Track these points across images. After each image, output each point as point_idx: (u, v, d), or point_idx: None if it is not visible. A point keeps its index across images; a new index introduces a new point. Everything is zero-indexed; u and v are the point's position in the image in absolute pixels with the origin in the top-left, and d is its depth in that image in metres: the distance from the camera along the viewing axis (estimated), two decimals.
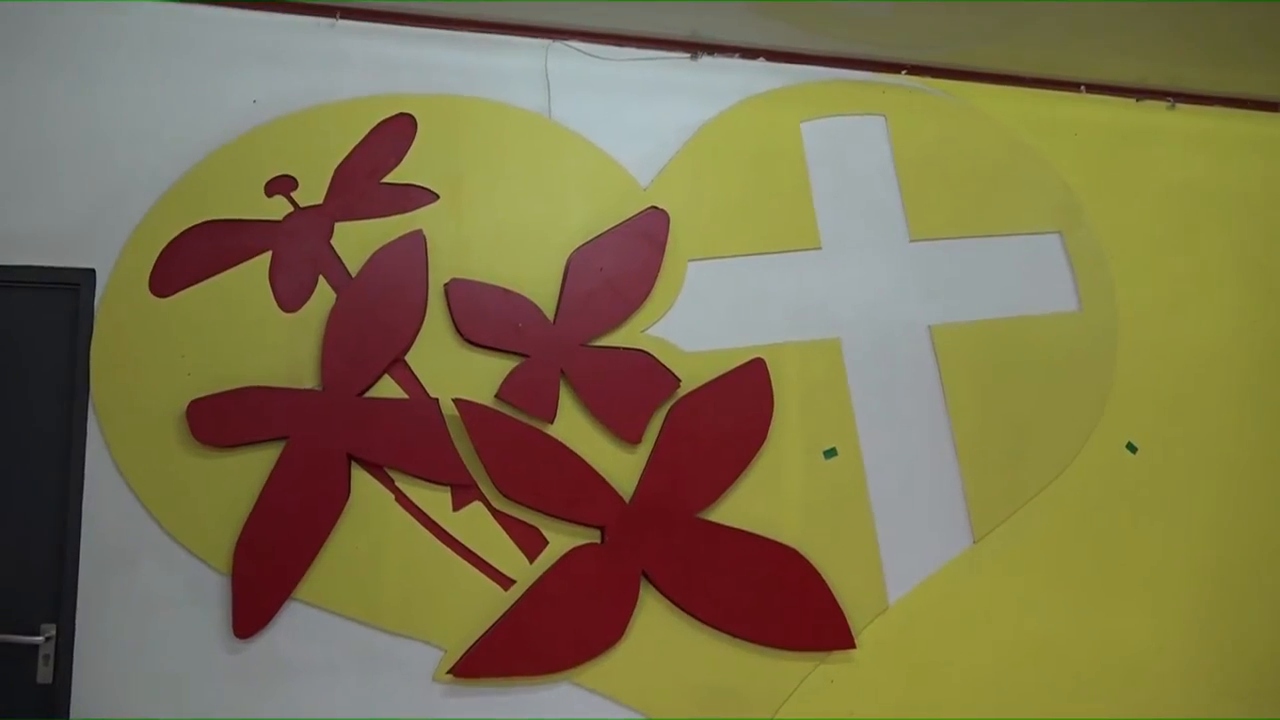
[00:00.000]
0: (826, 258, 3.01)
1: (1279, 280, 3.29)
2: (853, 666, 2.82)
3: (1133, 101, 3.23)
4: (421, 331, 2.77)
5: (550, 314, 2.83)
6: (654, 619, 2.73)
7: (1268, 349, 3.27)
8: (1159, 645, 3.11)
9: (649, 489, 2.76)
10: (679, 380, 2.83)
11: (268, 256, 2.75)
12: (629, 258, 2.92)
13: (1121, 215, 3.18)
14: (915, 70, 3.16)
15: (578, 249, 2.89)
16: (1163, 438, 3.14)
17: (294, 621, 2.59)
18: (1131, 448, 3.09)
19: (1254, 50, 3.03)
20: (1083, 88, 3.21)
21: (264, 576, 2.56)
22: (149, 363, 2.64)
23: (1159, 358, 3.16)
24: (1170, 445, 3.15)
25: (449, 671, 2.60)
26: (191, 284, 2.69)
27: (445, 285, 2.79)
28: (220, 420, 2.61)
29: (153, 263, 2.69)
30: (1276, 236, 3.31)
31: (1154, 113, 3.25)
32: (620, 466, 2.78)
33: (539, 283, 2.85)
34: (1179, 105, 3.26)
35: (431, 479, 2.70)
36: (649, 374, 2.83)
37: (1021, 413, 3.04)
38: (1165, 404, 3.15)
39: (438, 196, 2.88)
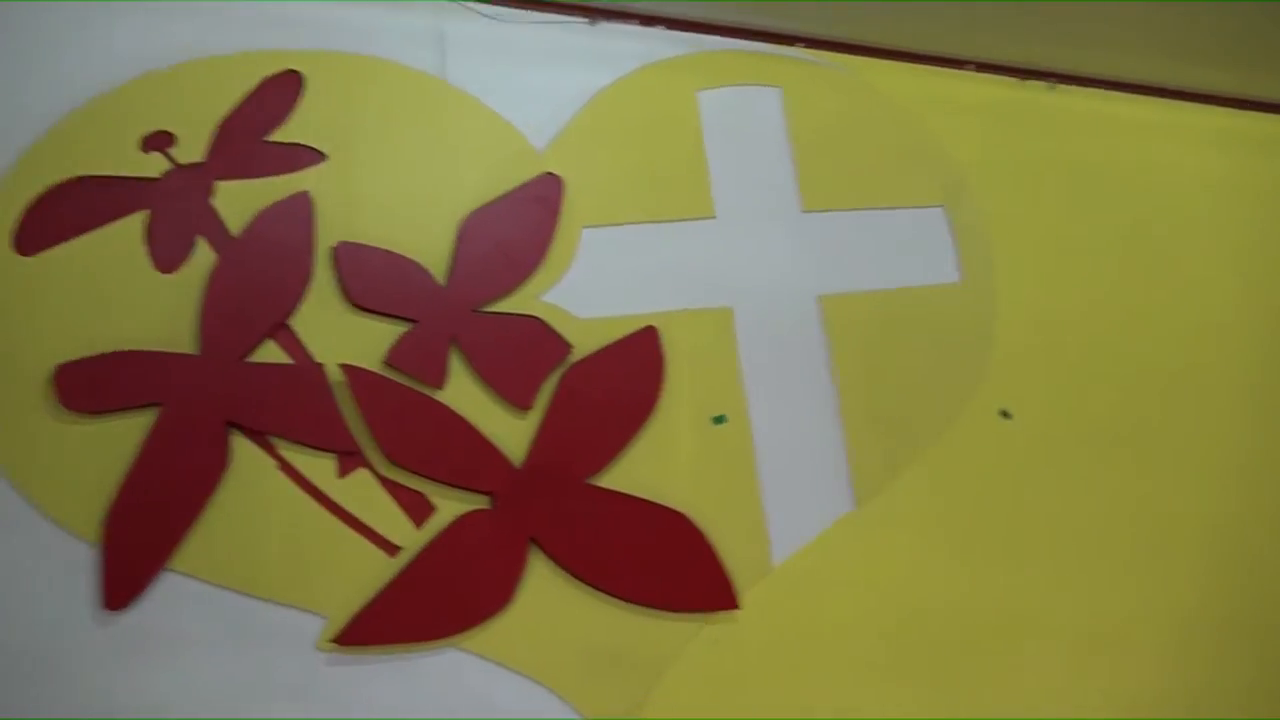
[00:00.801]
0: (720, 227, 3.04)
1: (1155, 258, 3.46)
2: (737, 627, 2.88)
3: (1017, 81, 3.33)
4: (307, 295, 2.71)
5: (441, 279, 2.80)
6: (542, 584, 2.74)
7: (1142, 324, 3.43)
8: (1034, 601, 3.26)
9: (539, 455, 2.77)
10: (571, 347, 2.83)
11: (143, 215, 2.64)
12: (523, 223, 2.90)
13: (1003, 192, 3.29)
14: (812, 44, 3.20)
15: (471, 213, 2.85)
16: (1038, 406, 3.27)
17: (168, 593, 2.51)
18: (1006, 415, 3.21)
19: (1133, 36, 3.15)
20: (972, 66, 3.30)
21: (136, 546, 2.48)
22: (12, 325, 2.52)
23: (1037, 330, 3.29)
24: (1045, 413, 3.28)
25: (332, 640, 2.57)
26: (59, 242, 2.57)
27: (332, 248, 2.73)
28: (90, 385, 2.50)
29: (17, 219, 2.56)
30: (1153, 216, 3.47)
31: (1036, 93, 3.36)
32: (511, 433, 2.78)
33: (430, 247, 2.81)
34: (1059, 86, 3.38)
35: (316, 446, 2.65)
36: (541, 340, 2.82)
37: (903, 381, 3.13)
38: (1041, 374, 3.29)
39: (326, 157, 2.81)
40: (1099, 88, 3.43)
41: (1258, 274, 3.60)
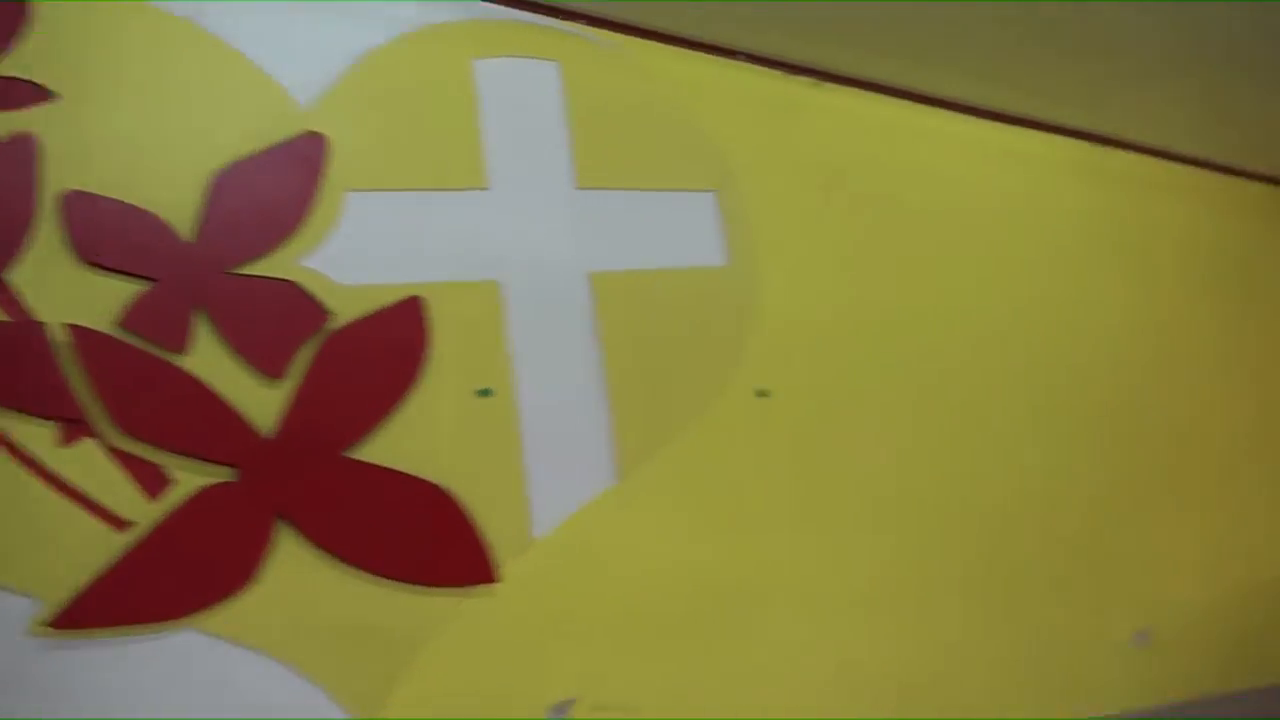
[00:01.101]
0: (492, 199, 3.01)
1: (909, 252, 3.72)
2: (496, 601, 2.88)
3: (785, 75, 3.48)
4: (28, 248, 2.46)
5: (188, 236, 2.62)
6: (291, 559, 2.62)
7: (895, 313, 3.69)
8: (783, 572, 3.45)
9: (291, 426, 2.64)
10: (329, 314, 2.72)
11: None
12: (282, 182, 2.75)
13: (769, 182, 3.44)
14: (592, 21, 3.22)
15: (224, 168, 2.67)
16: (794, 386, 3.45)
17: None
18: (763, 394, 3.37)
19: (896, 41, 3.35)
20: (743, 57, 3.42)
21: None
22: None
23: (796, 314, 3.47)
24: (800, 393, 3.47)
25: (46, 623, 2.36)
26: None
27: (61, 197, 2.50)
28: None
29: None
30: (907, 213, 3.73)
31: (803, 88, 3.52)
32: (261, 403, 2.63)
33: (176, 201, 2.61)
34: (825, 85, 3.56)
35: (34, 413, 2.41)
36: (297, 306, 2.69)
37: (667, 359, 3.22)
38: (798, 356, 3.47)
39: (56, 96, 2.56)
40: (863, 89, 3.63)
41: (1006, 269, 3.96)
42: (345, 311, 2.75)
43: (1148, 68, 3.36)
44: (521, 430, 2.96)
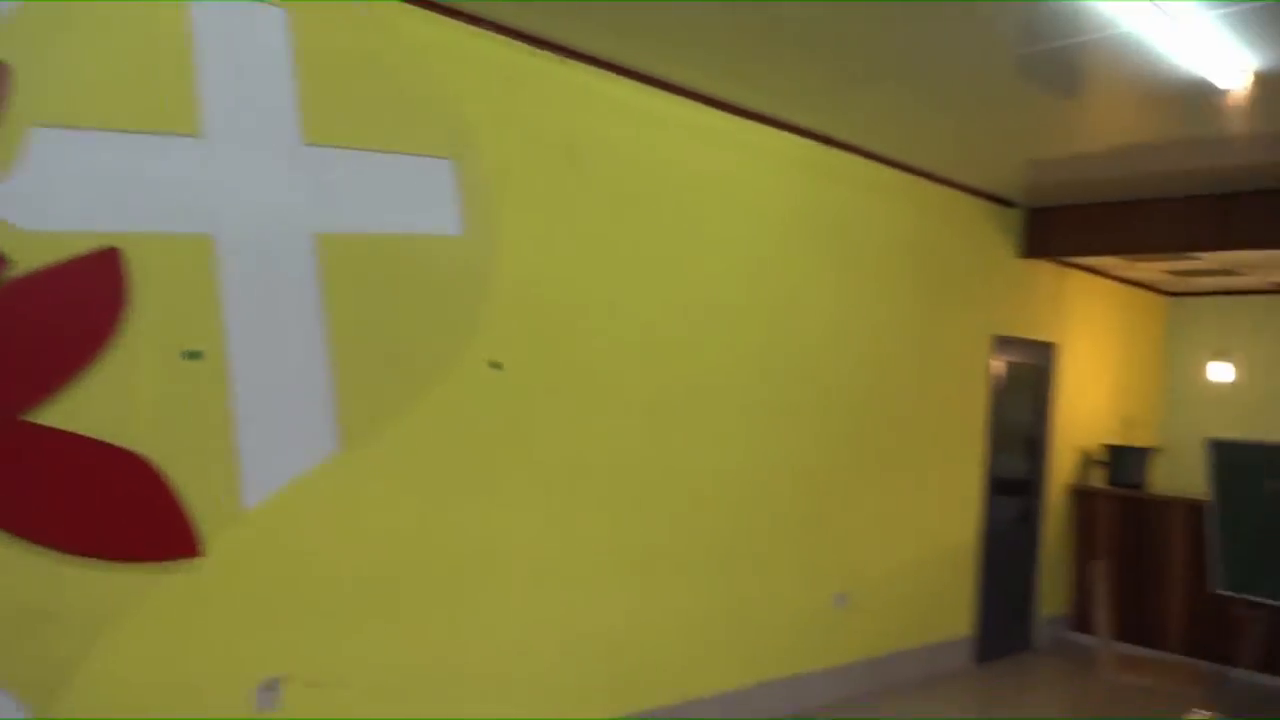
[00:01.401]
0: (207, 148, 2.80)
1: (643, 229, 3.84)
2: (199, 576, 2.72)
3: (532, 49, 3.48)
4: None
5: None
6: None
7: (624, 293, 3.80)
8: (511, 540, 3.49)
9: None
10: (7, 261, 2.44)
11: None
12: None
13: (509, 153, 3.43)
14: None
15: None
16: (526, 359, 3.49)
17: None
18: (496, 365, 3.38)
19: (635, 23, 3.41)
20: (491, 26, 3.37)
21: None
22: None
23: (531, 287, 3.50)
24: (535, 366, 3.51)
25: None
26: None
27: None
28: None
29: None
30: (641, 190, 3.84)
31: (548, 63, 3.53)
32: None
33: None
34: (570, 61, 3.59)
35: None
36: None
37: (398, 327, 3.15)
38: (531, 328, 3.50)
39: None
40: (609, 70, 3.69)
41: (732, 253, 4.16)
42: (27, 260, 2.48)
43: (864, 75, 3.65)
44: (233, 395, 2.79)
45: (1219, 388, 7.32)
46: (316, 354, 2.95)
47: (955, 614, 5.61)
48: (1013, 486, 6.06)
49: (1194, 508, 5.85)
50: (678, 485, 4.07)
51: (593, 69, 3.65)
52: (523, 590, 3.56)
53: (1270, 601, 5.27)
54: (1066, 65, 3.42)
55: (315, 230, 2.96)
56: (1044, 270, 6.07)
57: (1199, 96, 3.58)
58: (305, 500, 2.93)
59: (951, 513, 5.54)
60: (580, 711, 3.71)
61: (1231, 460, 5.38)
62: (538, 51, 3.50)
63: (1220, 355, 7.34)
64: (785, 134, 4.35)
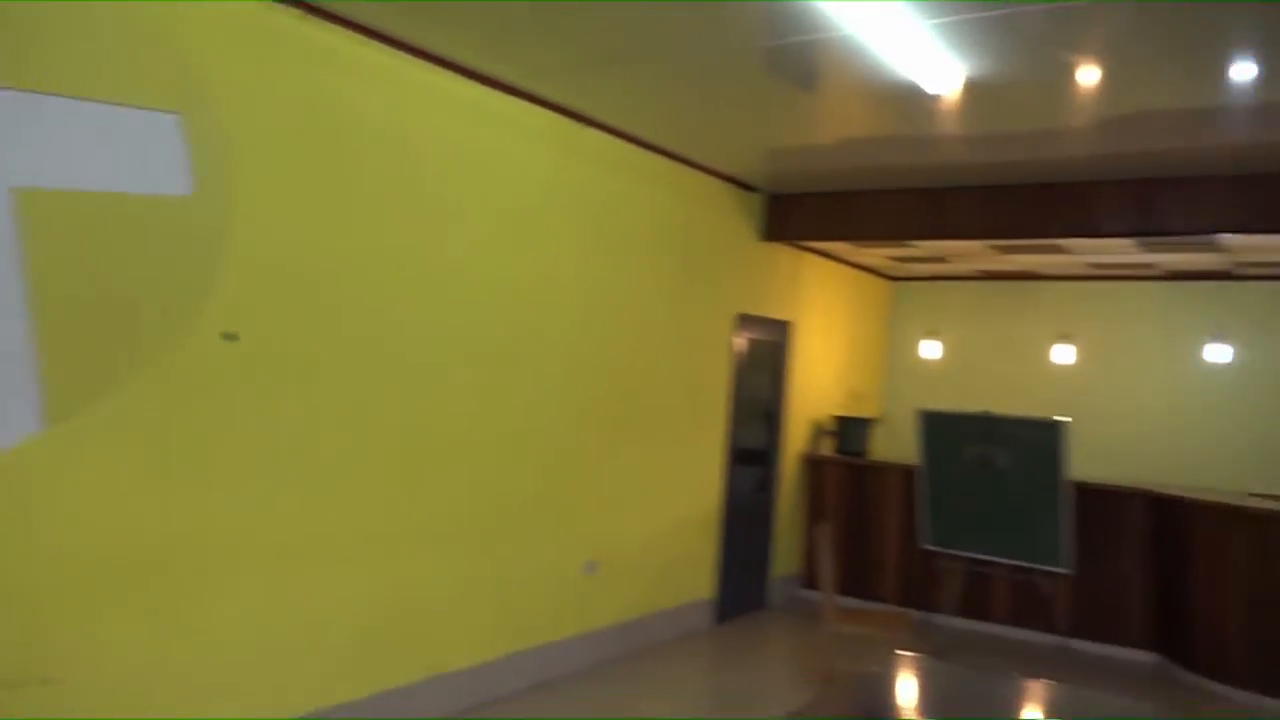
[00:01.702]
0: None
1: (382, 199, 3.72)
2: None
3: (271, 4, 3.26)
4: None
5: None
6: None
7: (367, 261, 3.68)
8: (240, 521, 3.32)
9: None
10: None
11: None
12: None
13: (246, 111, 3.21)
14: None
15: None
16: (266, 331, 3.30)
17: None
18: (230, 337, 3.17)
19: None
20: None
21: None
22: None
23: (270, 253, 3.30)
24: (273, 338, 3.33)
25: None
26: None
27: None
28: None
29: None
30: (386, 163, 3.71)
31: (289, 19, 3.33)
32: None
33: None
34: (311, 18, 3.39)
35: None
36: None
37: (117, 294, 2.89)
38: (271, 298, 3.32)
39: None
40: (356, 30, 3.53)
41: (484, 224, 4.12)
42: None
43: (618, 55, 3.72)
44: None
45: (930, 363, 8.17)
46: (15, 322, 2.65)
47: (698, 578, 5.91)
48: (752, 456, 6.47)
49: (907, 472, 6.50)
50: (431, 460, 4.02)
51: (341, 29, 3.49)
52: (262, 574, 3.39)
53: (967, 554, 5.97)
54: (802, 60, 3.66)
55: (11, 185, 2.64)
56: (783, 253, 6.48)
57: (914, 99, 3.94)
58: (2, 482, 2.63)
59: (696, 482, 5.82)
60: (326, 697, 3.60)
61: (937, 428, 6.02)
62: (279, 6, 3.29)
63: (931, 334, 8.18)
64: (542, 110, 4.36)
